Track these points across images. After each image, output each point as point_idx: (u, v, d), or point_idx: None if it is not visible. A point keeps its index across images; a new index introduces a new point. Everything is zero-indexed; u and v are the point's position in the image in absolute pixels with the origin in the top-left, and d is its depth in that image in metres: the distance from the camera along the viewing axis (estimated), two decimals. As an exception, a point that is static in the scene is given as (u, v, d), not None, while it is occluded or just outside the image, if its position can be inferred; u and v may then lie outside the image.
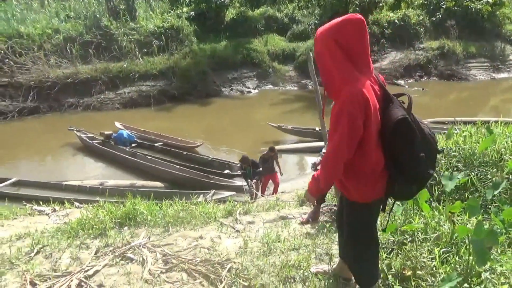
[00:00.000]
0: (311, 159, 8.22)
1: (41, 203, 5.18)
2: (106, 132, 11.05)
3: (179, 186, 8.41)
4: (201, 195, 7.47)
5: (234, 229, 3.33)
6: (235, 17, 20.23)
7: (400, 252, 2.52)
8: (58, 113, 14.35)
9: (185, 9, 19.82)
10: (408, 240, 2.58)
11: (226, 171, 9.35)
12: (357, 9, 19.79)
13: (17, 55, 15.07)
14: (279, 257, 2.72)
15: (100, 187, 8.35)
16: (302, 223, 3.41)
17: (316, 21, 20.53)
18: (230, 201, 4.40)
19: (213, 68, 16.84)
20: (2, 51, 14.91)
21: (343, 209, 2.13)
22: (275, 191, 7.92)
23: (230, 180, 8.74)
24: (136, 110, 14.66)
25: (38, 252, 2.95)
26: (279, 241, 2.99)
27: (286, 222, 3.47)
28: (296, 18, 21.16)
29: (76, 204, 4.82)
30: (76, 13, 18.96)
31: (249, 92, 16.94)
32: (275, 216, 3.69)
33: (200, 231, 3.26)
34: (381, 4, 21.14)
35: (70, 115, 14.07)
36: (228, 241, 3.06)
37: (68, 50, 15.79)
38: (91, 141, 11.04)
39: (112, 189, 7.88)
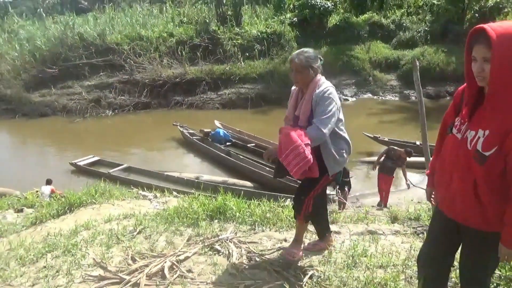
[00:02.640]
0: (408, 175, 7.67)
1: (145, 189, 5.74)
2: (205, 130, 11.81)
3: (268, 188, 8.56)
4: (288, 199, 7.49)
5: (319, 237, 3.27)
6: (338, 23, 19.94)
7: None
8: (165, 109, 15.80)
9: (288, 15, 20.17)
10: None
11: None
12: (476, 15, 17.93)
13: (136, 55, 17.00)
14: (364, 273, 2.59)
15: (196, 180, 8.95)
16: None
17: (426, 28, 19.14)
18: None
19: (312, 74, 16.80)
20: (125, 52, 16.94)
21: (460, 246, 1.80)
22: (384, 199, 7.59)
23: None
24: (234, 111, 15.38)
25: (139, 232, 3.28)
26: (365, 256, 2.84)
27: (374, 237, 3.29)
28: (404, 24, 19.99)
29: (174, 193, 5.23)
30: (188, 19, 20.67)
31: (346, 99, 16.53)
32: (363, 229, 3.53)
33: (285, 234, 3.27)
34: (506, 10, 18.79)
35: (175, 112, 15.37)
36: (312, 249, 3.02)
37: (179, 52, 17.26)
38: (191, 137, 11.91)
39: (206, 183, 8.34)
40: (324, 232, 2.94)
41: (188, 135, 12.06)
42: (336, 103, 2.49)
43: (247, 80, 16.43)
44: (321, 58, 2.61)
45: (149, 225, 3.39)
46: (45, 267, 2.80)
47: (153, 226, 3.37)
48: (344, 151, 2.63)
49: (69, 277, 2.63)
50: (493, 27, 1.46)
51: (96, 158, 10.59)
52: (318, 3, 19.29)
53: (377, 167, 7.71)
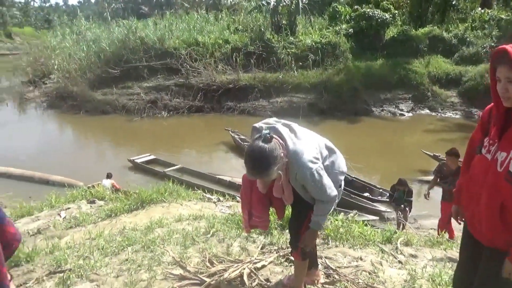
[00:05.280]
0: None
1: (206, 191, 5.83)
2: (257, 136, 11.88)
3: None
4: (342, 213, 7.31)
5: (396, 259, 3.12)
6: (395, 35, 19.42)
7: None
8: (218, 114, 16.13)
9: (344, 26, 19.95)
10: None
11: (366, 194, 8.97)
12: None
13: (193, 60, 17.52)
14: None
15: (248, 186, 8.98)
16: None
17: (492, 43, 18.11)
18: (372, 227, 4.17)
19: (366, 86, 16.47)
20: (183, 56, 17.52)
21: (487, 267, 1.70)
22: (450, 232, 6.95)
23: (372, 204, 8.35)
24: (285, 119, 15.32)
25: (212, 235, 3.31)
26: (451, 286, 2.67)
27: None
28: (468, 39, 19.05)
29: (238, 198, 5.27)
30: (243, 26, 21.05)
31: (402, 114, 15.97)
32: (441, 256, 3.34)
33: (359, 252, 3.17)
34: None
35: (227, 117, 15.63)
36: (391, 270, 2.89)
37: (234, 59, 17.57)
38: (242, 143, 12.03)
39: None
40: (310, 266, 2.52)
41: (239, 141, 12.19)
42: (316, 162, 2.03)
43: (299, 89, 16.38)
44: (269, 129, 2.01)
45: (221, 229, 3.41)
46: (127, 260, 2.90)
47: (225, 230, 3.39)
48: (338, 182, 2.21)
49: (151, 273, 2.70)
50: None
51: (152, 157, 10.99)
52: (376, 15, 18.92)
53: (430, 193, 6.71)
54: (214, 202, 4.69)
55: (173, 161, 10.97)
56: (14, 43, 53.65)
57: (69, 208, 4.60)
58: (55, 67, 19.51)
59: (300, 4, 19.85)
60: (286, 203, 2.32)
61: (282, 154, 1.94)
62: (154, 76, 17.49)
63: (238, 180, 9.54)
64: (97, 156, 12.69)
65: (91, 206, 4.68)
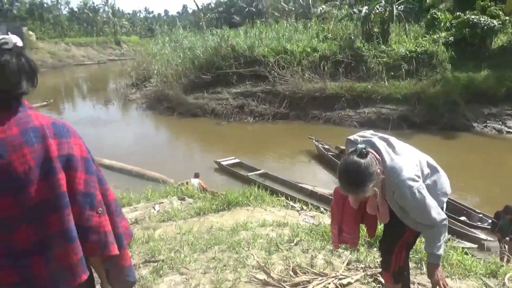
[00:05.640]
0: None
1: (289, 198, 5.82)
2: (342, 147, 11.55)
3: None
4: (456, 241, 6.70)
5: (504, 296, 2.75)
6: (505, 44, 17.40)
7: None
8: (302, 122, 16.09)
9: (443, 34, 18.49)
10: None
11: (463, 218, 8.12)
12: None
13: (280, 68, 17.77)
14: None
15: (330, 197, 8.76)
16: None
17: None
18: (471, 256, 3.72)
19: (466, 99, 15.01)
20: (271, 64, 17.88)
21: None
22: None
23: (471, 230, 7.52)
24: (373, 131, 14.70)
25: (296, 244, 3.27)
26: None
27: None
28: None
29: (322, 209, 5.16)
30: (333, 35, 20.78)
31: (509, 132, 14.21)
32: None
33: (458, 283, 2.86)
34: None
35: (312, 125, 15.49)
36: (498, 308, 2.55)
37: (321, 67, 17.40)
38: (326, 152, 11.80)
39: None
40: None
41: (323, 150, 11.98)
42: (417, 180, 1.86)
43: (389, 101, 15.56)
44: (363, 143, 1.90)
45: (305, 239, 3.36)
46: (213, 258, 3.00)
47: (310, 240, 3.32)
48: (440, 204, 2.00)
49: (236, 274, 2.75)
50: None
51: (236, 160, 11.36)
52: (482, 22, 17.16)
53: None
54: (298, 211, 4.65)
55: (255, 165, 11.21)
56: (122, 50, 60.24)
57: (162, 202, 4.93)
58: (155, 72, 21.46)
59: (395, 11, 18.94)
60: (380, 222, 2.19)
61: (378, 171, 1.82)
62: (243, 83, 18.14)
63: (320, 190, 9.38)
64: (186, 156, 13.53)
65: (181, 203, 4.96)
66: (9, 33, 0.95)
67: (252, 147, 13.97)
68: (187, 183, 8.59)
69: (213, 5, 58.20)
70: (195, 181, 8.78)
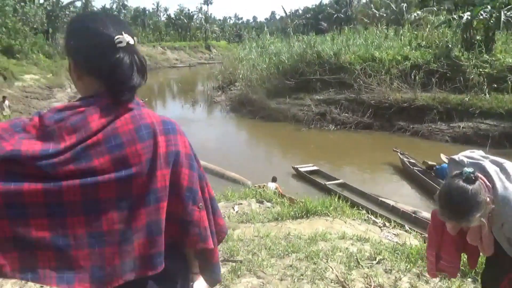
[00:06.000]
0: None
1: (370, 212, 5.54)
2: (430, 162, 10.72)
3: None
4: None
5: None
6: None
7: None
8: (387, 133, 15.28)
9: (561, 43, 16.18)
10: None
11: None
12: None
13: (366, 76, 17.10)
14: None
15: (413, 215, 8.18)
16: None
17: None
18: None
19: None
20: (357, 71, 17.31)
21: None
22: None
23: None
24: (467, 147, 13.25)
25: (378, 262, 3.09)
26: None
27: None
28: None
29: (406, 227, 4.83)
30: (427, 42, 19.45)
31: None
32: None
33: None
34: None
35: (397, 137, 14.63)
36: None
37: (412, 77, 16.34)
38: (411, 167, 11.04)
39: (425, 222, 7.50)
40: None
41: (408, 164, 11.23)
42: None
43: (490, 115, 14.00)
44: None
45: (388, 258, 3.15)
46: (291, 266, 2.97)
47: (393, 260, 3.11)
48: None
49: (313, 286, 2.68)
50: None
51: (315, 168, 11.19)
52: None
53: None
54: (380, 227, 4.40)
55: (333, 174, 10.93)
56: (211, 54, 63.64)
57: (241, 204, 5.05)
58: (240, 76, 22.19)
59: (502, 17, 17.01)
60: (483, 254, 1.95)
61: (488, 199, 1.59)
62: (326, 90, 17.84)
63: (402, 206, 8.79)
64: (264, 159, 13.72)
65: (259, 206, 5.03)
66: (123, 32, 1.02)
67: (331, 155, 13.65)
68: (264, 186, 8.69)
69: (301, 12, 58.53)
70: (272, 185, 8.83)
